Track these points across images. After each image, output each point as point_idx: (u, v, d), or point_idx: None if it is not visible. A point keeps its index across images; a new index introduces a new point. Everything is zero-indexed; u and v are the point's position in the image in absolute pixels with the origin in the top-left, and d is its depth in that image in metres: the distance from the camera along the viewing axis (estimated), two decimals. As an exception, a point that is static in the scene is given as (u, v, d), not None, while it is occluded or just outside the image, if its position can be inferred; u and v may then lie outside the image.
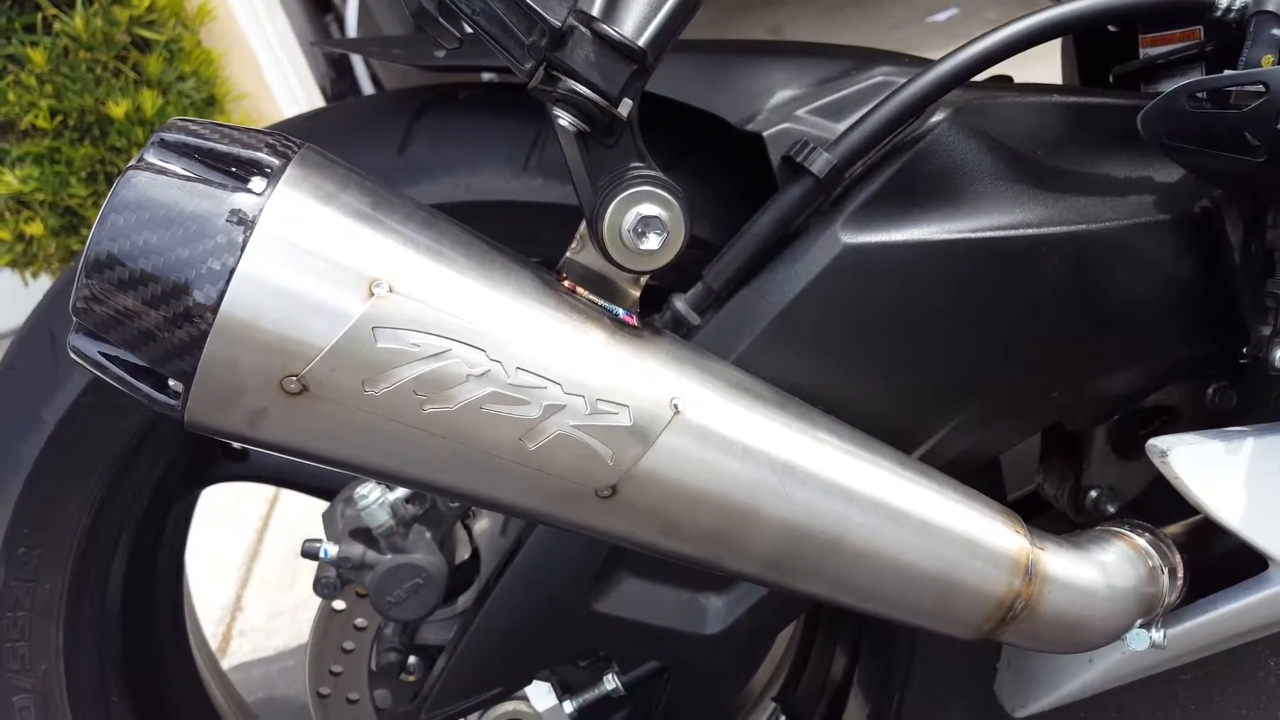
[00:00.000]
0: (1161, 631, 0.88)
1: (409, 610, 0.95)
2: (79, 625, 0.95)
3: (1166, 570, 0.88)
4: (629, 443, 0.66)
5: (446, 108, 0.91)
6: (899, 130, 0.79)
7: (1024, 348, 0.86)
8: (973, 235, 0.82)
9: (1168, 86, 0.78)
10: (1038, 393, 0.89)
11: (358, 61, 3.93)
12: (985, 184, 0.83)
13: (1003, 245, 0.82)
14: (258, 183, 0.59)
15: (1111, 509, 1.03)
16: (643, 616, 0.88)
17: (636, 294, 0.72)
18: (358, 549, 0.95)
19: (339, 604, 1.06)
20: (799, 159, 0.78)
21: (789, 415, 0.74)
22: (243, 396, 0.59)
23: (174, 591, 1.18)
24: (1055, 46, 1.11)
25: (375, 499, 0.93)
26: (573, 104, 0.64)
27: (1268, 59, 0.77)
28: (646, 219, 0.67)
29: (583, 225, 0.70)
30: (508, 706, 0.95)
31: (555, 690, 0.96)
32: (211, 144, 0.59)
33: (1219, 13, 0.81)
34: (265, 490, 2.33)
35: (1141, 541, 0.89)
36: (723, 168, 0.89)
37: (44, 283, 2.36)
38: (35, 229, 2.22)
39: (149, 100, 2.24)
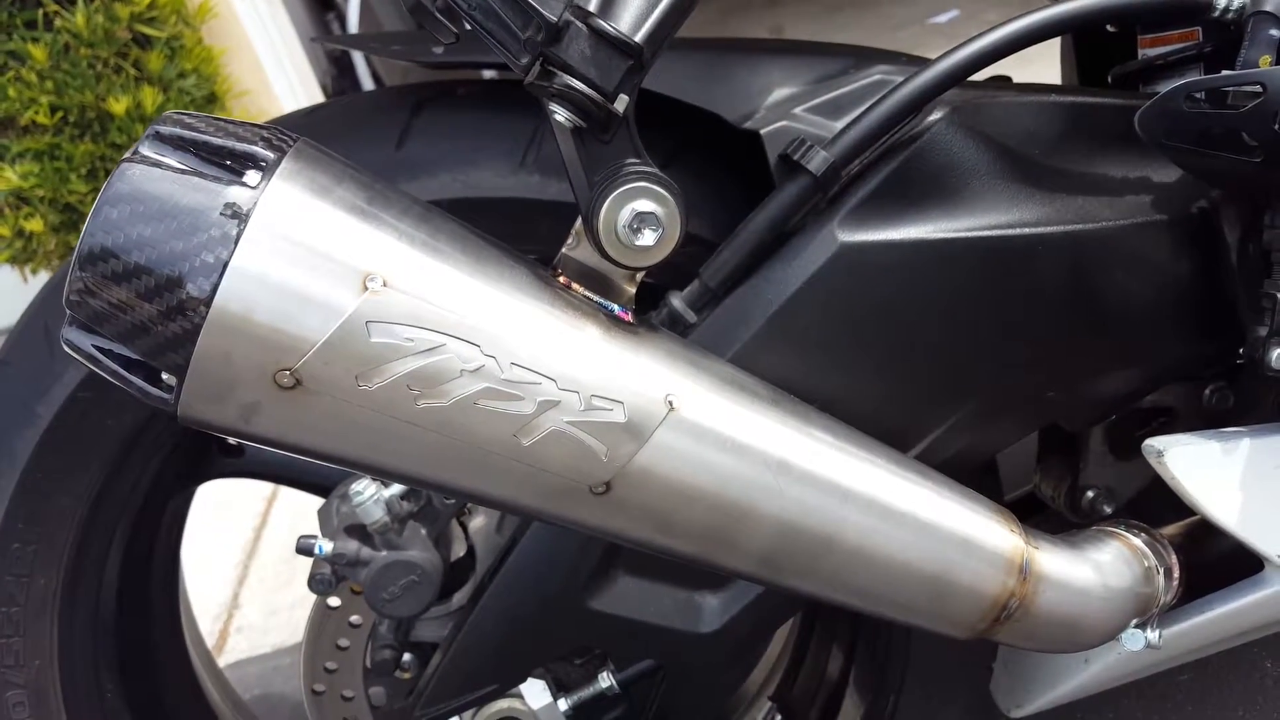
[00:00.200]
0: (1157, 632, 0.88)
1: (404, 607, 0.95)
2: (74, 621, 0.95)
3: (1162, 570, 0.88)
4: (623, 439, 0.66)
5: (445, 104, 0.91)
6: (896, 129, 0.79)
7: (1020, 347, 0.86)
8: (970, 234, 0.81)
9: (1166, 87, 0.78)
10: (1034, 392, 0.89)
11: (359, 59, 3.93)
12: (982, 183, 0.82)
13: (1000, 244, 0.82)
14: (252, 176, 0.59)
15: (1108, 509, 1.03)
16: (638, 614, 0.88)
17: (632, 290, 0.72)
18: (353, 545, 0.95)
19: (334, 600, 1.06)
20: (796, 157, 0.78)
21: (784, 413, 0.74)
22: (236, 391, 0.59)
23: (170, 587, 1.18)
24: (1054, 47, 1.11)
25: (370, 495, 0.93)
26: (569, 99, 0.64)
27: (1265, 59, 0.77)
28: (642, 215, 0.67)
29: (579, 221, 0.70)
30: (502, 704, 0.96)
31: (550, 688, 0.96)
32: (206, 137, 0.59)
33: (1217, 13, 0.81)
34: (264, 487, 2.33)
35: (1138, 542, 0.89)
36: (720, 165, 0.89)
37: (43, 279, 2.35)
38: (35, 225, 2.22)
39: (150, 97, 2.24)
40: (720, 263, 0.80)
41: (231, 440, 1.11)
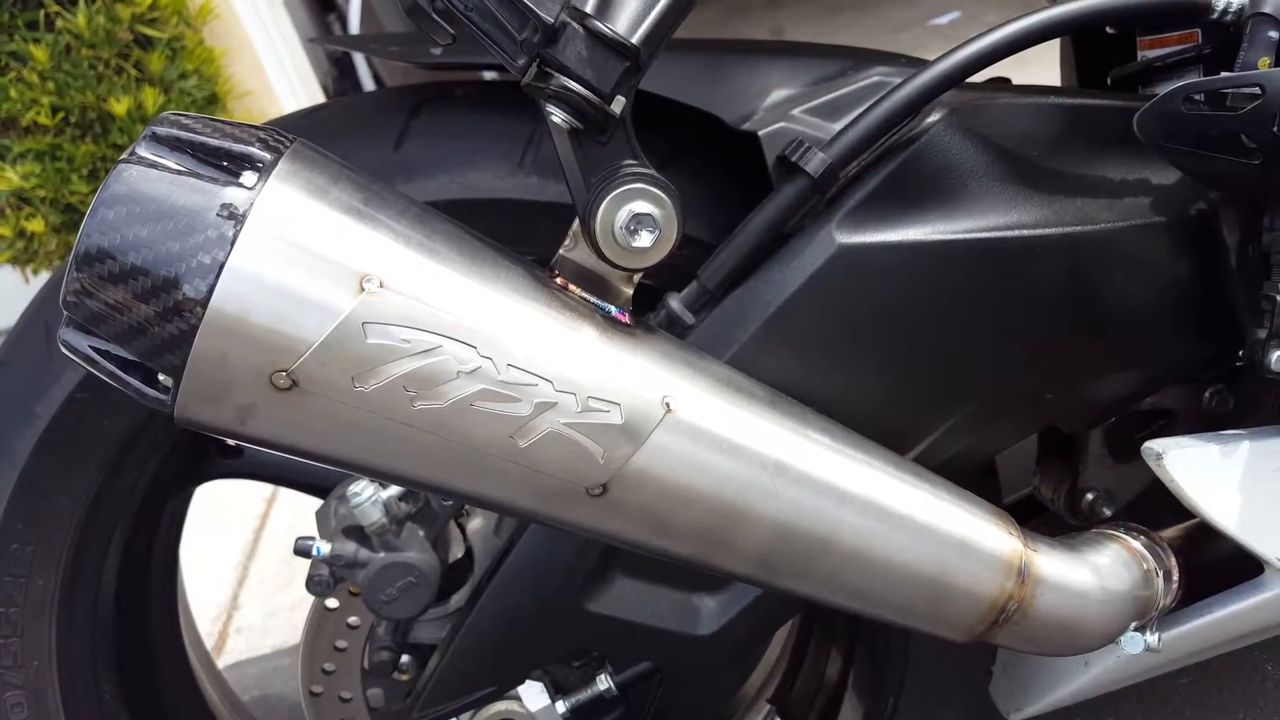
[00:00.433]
0: (1157, 635, 0.87)
1: (401, 609, 0.95)
2: (72, 622, 0.95)
3: (1162, 573, 0.88)
4: (620, 441, 0.66)
5: (443, 105, 0.91)
6: (895, 130, 0.79)
7: (1019, 349, 0.86)
8: (968, 236, 0.81)
9: (1165, 89, 0.78)
10: (1033, 394, 0.89)
11: (360, 60, 3.94)
12: (981, 185, 0.82)
13: (998, 246, 0.82)
14: (249, 177, 0.59)
15: (1108, 512, 1.03)
16: (636, 617, 0.87)
17: (629, 292, 0.72)
18: (350, 547, 0.95)
19: (332, 602, 1.06)
20: (794, 158, 0.78)
21: (782, 415, 0.74)
22: (232, 392, 0.59)
23: (168, 588, 1.18)
24: (1053, 49, 1.11)
25: (368, 497, 0.93)
26: (566, 101, 0.64)
27: (1264, 61, 0.77)
28: (639, 216, 0.67)
29: (576, 222, 0.70)
30: (500, 706, 0.95)
31: (548, 690, 0.96)
32: (203, 138, 0.59)
33: (1216, 15, 0.81)
34: (264, 489, 2.33)
35: (1137, 544, 0.89)
36: (718, 167, 0.89)
37: (44, 279, 2.35)
38: (36, 226, 2.22)
39: (151, 98, 2.24)
40: (718, 264, 0.80)
41: (229, 441, 1.11)
